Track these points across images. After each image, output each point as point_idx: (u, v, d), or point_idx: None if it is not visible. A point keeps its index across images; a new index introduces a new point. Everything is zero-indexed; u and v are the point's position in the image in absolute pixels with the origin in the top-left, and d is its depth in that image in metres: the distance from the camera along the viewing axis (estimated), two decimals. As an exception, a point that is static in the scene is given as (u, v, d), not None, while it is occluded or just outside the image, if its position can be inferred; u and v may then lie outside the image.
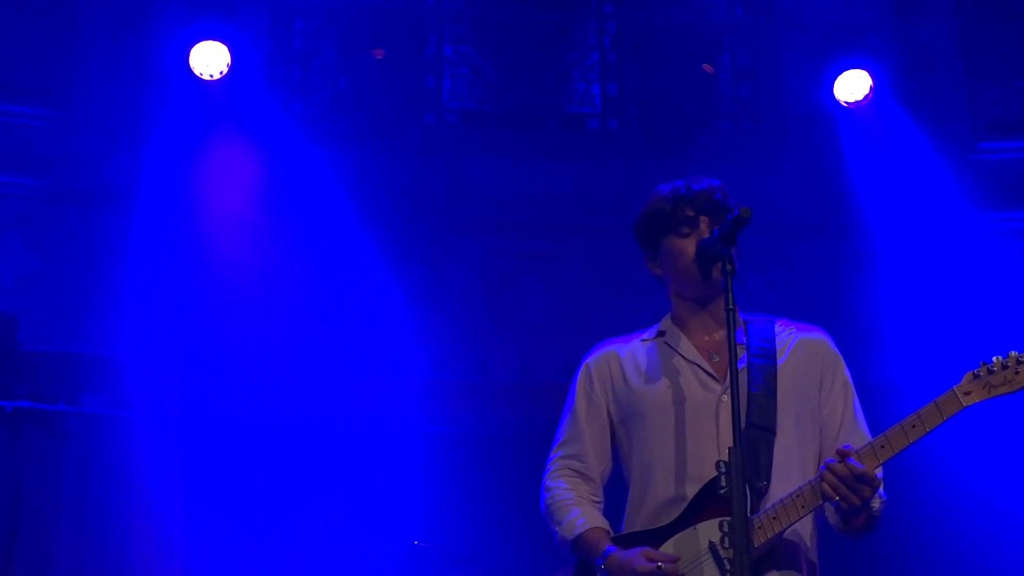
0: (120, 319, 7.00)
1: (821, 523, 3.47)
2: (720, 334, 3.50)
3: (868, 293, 7.35)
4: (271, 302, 7.16)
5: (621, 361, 3.59)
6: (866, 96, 7.31)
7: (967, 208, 7.32)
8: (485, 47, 8.21)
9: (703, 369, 3.48)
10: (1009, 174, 7.65)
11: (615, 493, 3.63)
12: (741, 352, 3.42)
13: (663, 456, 3.43)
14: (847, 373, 3.55)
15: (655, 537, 3.36)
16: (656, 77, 8.21)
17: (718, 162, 7.28)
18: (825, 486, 3.19)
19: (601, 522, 3.50)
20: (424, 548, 5.96)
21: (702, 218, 3.47)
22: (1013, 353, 3.22)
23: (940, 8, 7.95)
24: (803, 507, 3.25)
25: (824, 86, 7.36)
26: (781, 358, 3.49)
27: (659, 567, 3.25)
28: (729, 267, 3.20)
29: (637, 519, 3.46)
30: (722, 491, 3.09)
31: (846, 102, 7.33)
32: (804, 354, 3.52)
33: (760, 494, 3.30)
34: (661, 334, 3.60)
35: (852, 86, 7.31)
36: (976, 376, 3.21)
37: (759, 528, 3.24)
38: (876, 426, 3.41)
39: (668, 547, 3.33)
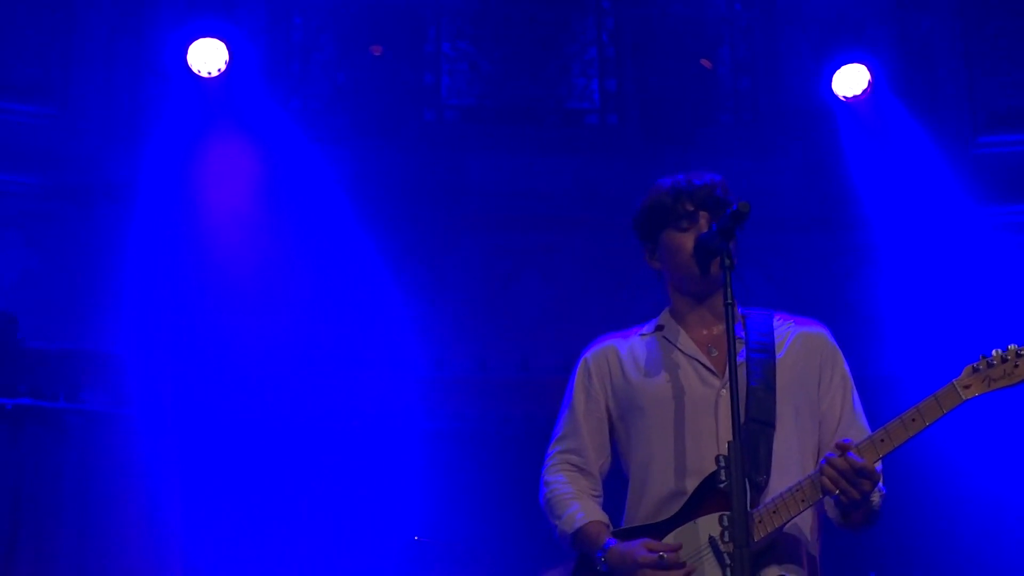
0: (120, 316, 7.00)
1: (823, 517, 3.47)
2: (719, 328, 3.51)
3: (867, 287, 7.34)
4: (271, 299, 7.16)
5: (620, 356, 3.59)
6: (865, 90, 7.30)
7: (966, 202, 7.31)
8: (484, 43, 8.21)
9: (702, 364, 3.48)
10: (1009, 167, 7.64)
11: (614, 487, 3.63)
12: (740, 346, 3.42)
13: (662, 451, 3.43)
14: (846, 367, 3.55)
15: (655, 531, 3.36)
16: (655, 71, 8.20)
17: (717, 156, 7.29)
18: (825, 480, 3.19)
19: (600, 515, 3.50)
20: (424, 544, 5.97)
21: (702, 213, 3.47)
22: (1012, 346, 3.22)
23: (939, 1, 7.94)
24: (803, 501, 3.25)
25: (823, 80, 7.36)
26: (780, 352, 3.49)
27: (661, 557, 3.25)
28: (728, 262, 3.20)
29: (637, 514, 3.46)
30: (722, 485, 3.09)
31: (845, 97, 7.33)
32: (803, 348, 3.52)
33: (760, 488, 3.30)
34: (660, 328, 3.60)
35: (851, 80, 7.30)
36: (976, 370, 3.21)
37: (759, 522, 3.24)
38: (876, 420, 3.41)
39: (668, 541, 3.33)
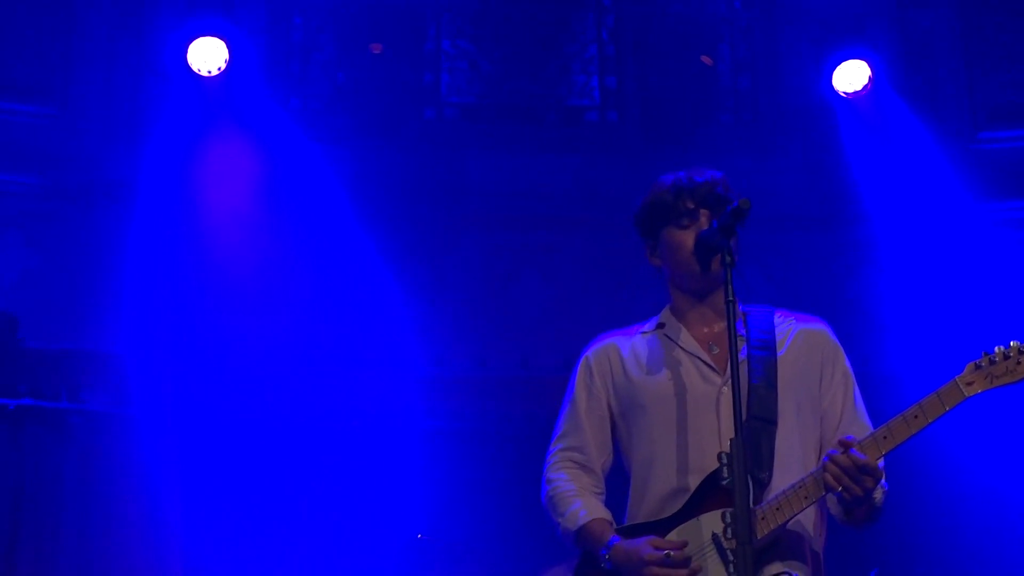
0: (121, 316, 7.00)
1: (827, 514, 3.47)
2: (720, 326, 3.51)
3: (868, 284, 7.34)
4: (271, 298, 7.16)
5: (621, 354, 3.59)
6: (865, 87, 7.29)
7: (967, 198, 7.31)
8: (483, 41, 8.20)
9: (703, 361, 3.48)
10: (1009, 163, 7.63)
11: (615, 485, 3.63)
12: (741, 344, 3.42)
13: (664, 448, 3.43)
14: (847, 363, 3.55)
15: (658, 529, 3.36)
16: (655, 69, 8.19)
17: (717, 154, 7.28)
18: (828, 477, 3.19)
19: (604, 513, 3.51)
20: (425, 542, 5.96)
21: (702, 211, 3.47)
22: (1015, 343, 3.22)
23: (939, -3, 7.95)
24: (806, 498, 3.25)
25: (823, 77, 7.35)
26: (781, 349, 3.49)
27: (668, 555, 3.25)
28: (729, 259, 3.20)
29: (640, 511, 3.46)
30: (724, 482, 3.09)
31: (845, 93, 7.32)
32: (804, 345, 3.52)
33: (762, 485, 3.30)
34: (661, 326, 3.60)
35: (851, 77, 7.30)
36: (978, 366, 3.21)
37: (762, 519, 3.24)
38: (877, 417, 3.41)
39: (671, 538, 3.33)
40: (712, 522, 3.27)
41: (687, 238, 3.47)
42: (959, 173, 7.32)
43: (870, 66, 7.28)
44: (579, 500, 3.51)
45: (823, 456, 3.26)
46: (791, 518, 3.27)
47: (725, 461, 3.10)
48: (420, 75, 8.08)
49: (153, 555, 6.75)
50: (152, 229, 7.07)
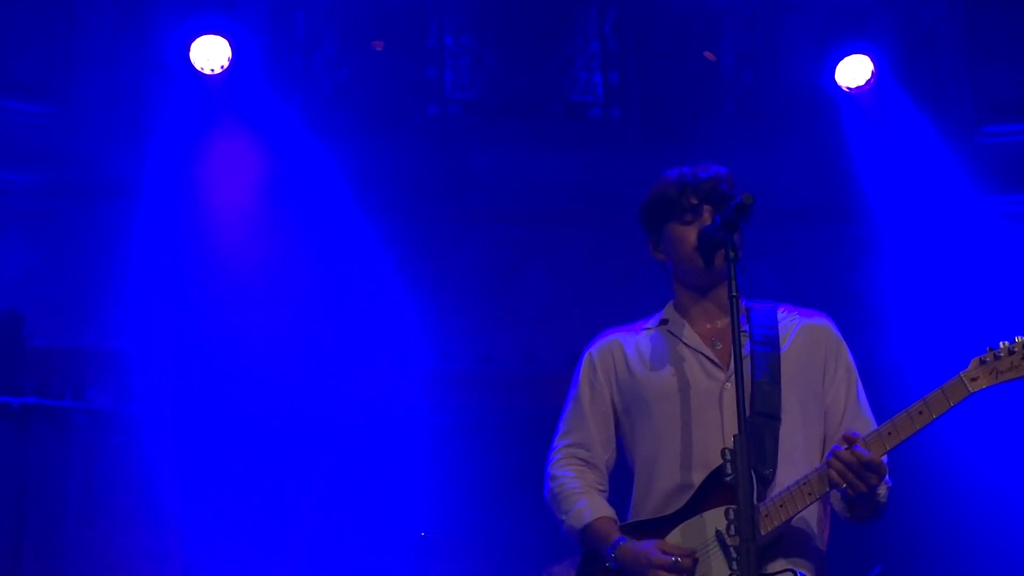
0: (124, 313, 7.01)
1: (830, 510, 3.46)
2: (723, 321, 3.50)
3: (872, 277, 7.33)
4: (275, 294, 7.16)
5: (624, 350, 3.59)
6: (868, 81, 7.28)
7: (971, 191, 7.30)
8: (486, 37, 8.19)
9: (706, 357, 3.48)
10: (1012, 157, 7.62)
11: (617, 481, 3.63)
12: (744, 339, 3.42)
13: (668, 444, 3.43)
14: (850, 358, 3.55)
15: (662, 525, 3.36)
16: (657, 64, 8.18)
17: (720, 148, 7.26)
18: (832, 473, 3.18)
19: (609, 511, 3.50)
20: (429, 537, 5.97)
21: (705, 207, 3.47)
22: (1019, 338, 3.21)
23: (942, -10, 7.94)
24: (810, 495, 3.24)
25: (826, 71, 7.34)
26: (784, 345, 3.49)
27: (676, 561, 3.24)
28: (732, 254, 3.19)
29: (644, 508, 3.46)
30: (728, 479, 3.09)
31: (848, 87, 7.31)
32: (807, 340, 3.52)
33: (766, 482, 3.30)
34: (664, 322, 3.60)
35: (854, 71, 7.29)
36: (983, 362, 3.20)
37: (766, 516, 3.24)
38: (881, 411, 3.41)
39: (675, 535, 3.33)
40: (716, 519, 3.27)
41: (690, 234, 3.46)
42: (962, 167, 7.31)
43: (873, 60, 7.27)
44: (584, 498, 3.51)
45: (827, 452, 3.26)
46: (795, 515, 3.26)
47: (729, 457, 3.10)
48: (423, 71, 8.07)
49: (158, 552, 6.76)
50: (155, 226, 7.07)
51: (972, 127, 7.73)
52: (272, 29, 7.82)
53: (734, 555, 3.20)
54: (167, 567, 6.74)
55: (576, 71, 8.22)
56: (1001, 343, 3.21)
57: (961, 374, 3.20)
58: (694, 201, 3.48)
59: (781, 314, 3.57)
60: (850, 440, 3.18)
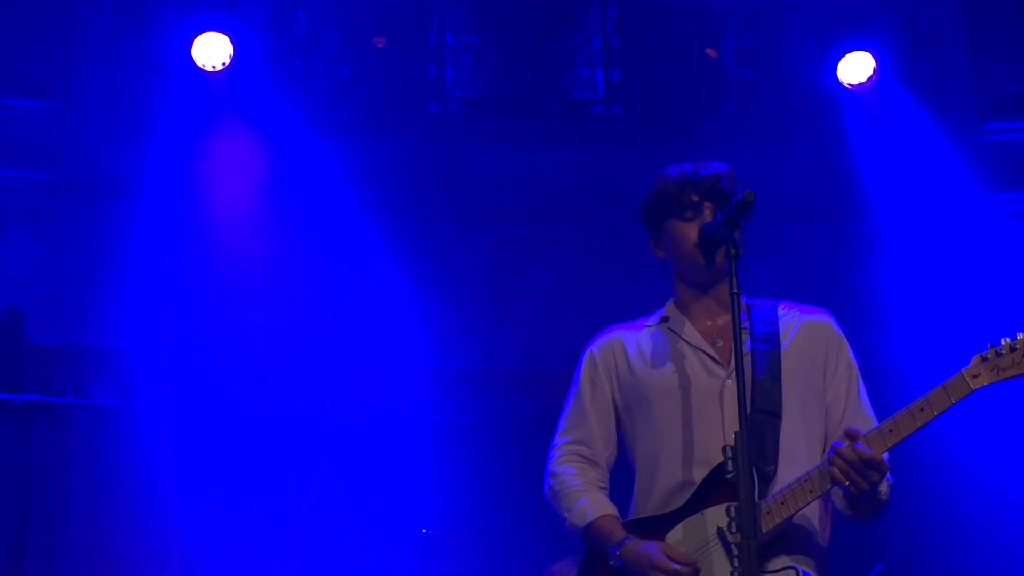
0: (126, 310, 7.01)
1: (832, 507, 3.46)
2: (723, 319, 3.50)
3: (873, 275, 7.33)
4: (276, 292, 7.17)
5: (626, 348, 3.59)
6: (870, 78, 7.28)
7: (972, 189, 7.30)
8: (487, 34, 8.19)
9: (707, 354, 3.47)
10: (1014, 154, 7.62)
11: (617, 478, 3.62)
12: (744, 336, 3.40)
13: (669, 442, 3.42)
14: (851, 354, 3.54)
15: (663, 523, 3.36)
16: (658, 61, 8.18)
17: (722, 146, 7.27)
18: (835, 471, 3.18)
19: (611, 509, 3.49)
20: (430, 535, 5.97)
21: (706, 204, 3.46)
22: (1021, 335, 3.20)
23: (944, -13, 7.93)
24: (811, 492, 3.24)
25: (828, 68, 7.34)
26: (785, 341, 3.48)
27: (677, 570, 3.23)
28: (733, 251, 3.19)
29: (645, 505, 3.46)
30: (729, 476, 3.09)
31: (849, 84, 7.31)
32: (808, 336, 3.51)
33: (767, 479, 3.30)
34: (665, 320, 3.60)
35: (855, 68, 7.29)
36: (984, 359, 3.19)
37: (767, 513, 3.23)
38: (883, 408, 3.40)
39: (676, 532, 3.33)
40: (717, 516, 3.27)
41: (691, 231, 3.46)
42: (964, 164, 7.31)
43: (874, 57, 7.27)
44: (586, 496, 3.50)
45: (828, 448, 3.25)
46: (796, 512, 3.26)
47: (730, 455, 3.10)
48: (424, 69, 8.07)
49: (160, 548, 6.76)
50: (156, 224, 7.08)
51: (973, 124, 7.73)
52: (273, 27, 7.82)
53: (735, 552, 3.19)
54: (168, 563, 6.74)
55: (577, 68, 8.22)
56: (1002, 340, 3.20)
57: (962, 371, 3.19)
58: (695, 198, 3.48)
59: (782, 311, 3.56)
60: (851, 435, 3.18)
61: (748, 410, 3.10)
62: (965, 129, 7.67)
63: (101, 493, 6.85)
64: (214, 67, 6.98)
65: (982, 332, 3.35)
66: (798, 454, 3.37)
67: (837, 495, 3.34)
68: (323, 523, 6.87)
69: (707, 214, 3.44)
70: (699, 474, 3.34)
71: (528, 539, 6.08)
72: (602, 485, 3.58)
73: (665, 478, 3.41)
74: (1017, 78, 7.75)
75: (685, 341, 3.51)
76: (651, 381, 3.49)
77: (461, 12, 8.20)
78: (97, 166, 7.32)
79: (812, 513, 3.38)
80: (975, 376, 3.19)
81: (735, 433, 3.07)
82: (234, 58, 6.99)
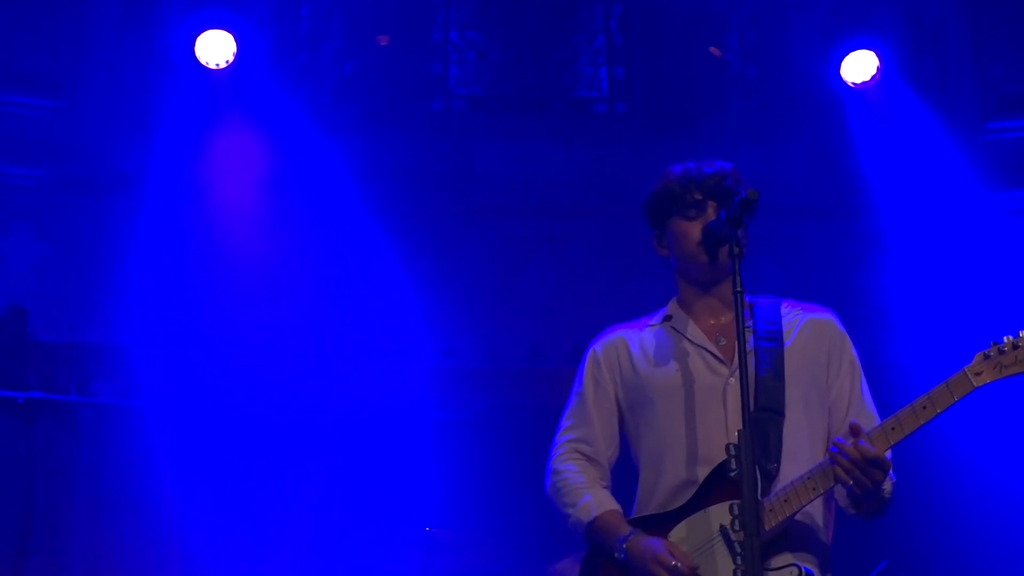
0: (130, 308, 7.01)
1: (835, 505, 3.46)
2: (726, 317, 3.51)
3: (877, 273, 7.33)
4: (280, 289, 7.17)
5: (629, 347, 3.60)
6: (873, 76, 7.28)
7: (976, 187, 7.30)
8: (491, 32, 8.19)
9: (710, 352, 3.48)
10: (1018, 153, 7.61)
11: (619, 477, 3.63)
12: (748, 335, 3.40)
13: (673, 440, 3.43)
14: (854, 353, 3.55)
15: (666, 521, 3.37)
16: (663, 59, 8.18)
17: (725, 144, 7.26)
18: (837, 469, 3.18)
19: (615, 505, 3.50)
20: (434, 532, 5.97)
21: (710, 202, 3.47)
22: (1024, 332, 3.21)
23: (948, -14, 7.92)
24: (814, 490, 3.25)
25: (832, 66, 7.34)
26: (788, 340, 3.48)
27: (675, 566, 3.23)
28: (736, 250, 3.20)
29: (648, 503, 3.46)
30: (732, 474, 3.09)
31: (853, 83, 7.31)
32: (811, 335, 3.52)
33: (770, 477, 3.30)
34: (668, 319, 3.60)
35: (859, 67, 7.28)
36: (987, 356, 3.20)
37: (770, 511, 3.24)
38: (886, 407, 3.40)
39: (680, 530, 3.34)
40: (720, 514, 3.27)
41: (694, 229, 3.47)
42: (967, 162, 7.31)
43: (878, 55, 7.26)
44: (590, 492, 3.51)
45: (831, 447, 3.26)
46: (799, 510, 3.27)
47: (733, 453, 3.10)
48: (428, 66, 8.08)
49: (163, 546, 6.77)
50: (161, 221, 7.08)
51: (977, 123, 7.72)
52: (277, 24, 7.82)
53: (738, 550, 3.20)
54: (173, 560, 6.75)
55: (581, 66, 8.22)
56: (1005, 338, 3.21)
57: (965, 369, 3.20)
58: (698, 196, 3.48)
59: (785, 309, 3.57)
60: (855, 430, 3.18)
61: (751, 408, 3.11)
62: (968, 128, 7.66)
63: (105, 490, 6.85)
64: (218, 64, 6.98)
65: (985, 330, 3.35)
66: (801, 452, 3.38)
67: (840, 493, 3.35)
68: (326, 521, 6.88)
69: (711, 213, 3.45)
70: (702, 472, 3.35)
71: (531, 537, 6.08)
72: (604, 483, 3.58)
73: (668, 476, 3.42)
74: (1021, 77, 7.74)
75: (688, 340, 3.52)
76: (654, 380, 3.50)
77: (465, 9, 8.21)
78: (101, 163, 7.32)
79: (815, 511, 3.39)
80: (978, 374, 3.19)
81: (738, 431, 3.07)
82: (238, 55, 6.99)
